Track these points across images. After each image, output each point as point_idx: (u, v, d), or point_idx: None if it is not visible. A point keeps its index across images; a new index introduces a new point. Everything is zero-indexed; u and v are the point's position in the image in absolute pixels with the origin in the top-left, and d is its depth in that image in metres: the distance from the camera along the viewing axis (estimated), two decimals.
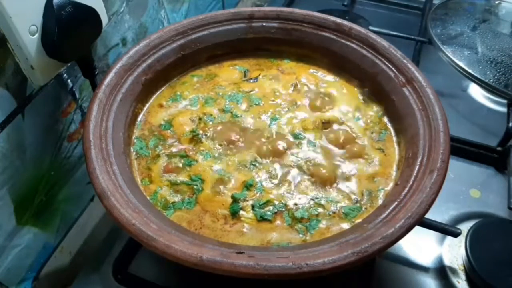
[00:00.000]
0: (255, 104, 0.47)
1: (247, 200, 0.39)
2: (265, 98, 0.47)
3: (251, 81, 0.49)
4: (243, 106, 0.46)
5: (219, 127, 0.44)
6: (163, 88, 0.48)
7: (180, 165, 0.41)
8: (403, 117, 0.43)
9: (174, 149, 0.43)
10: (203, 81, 0.49)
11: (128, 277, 0.44)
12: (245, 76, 0.50)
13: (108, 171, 0.35)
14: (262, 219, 0.37)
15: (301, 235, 0.37)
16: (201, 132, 0.43)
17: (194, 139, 0.43)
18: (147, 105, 0.46)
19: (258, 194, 0.39)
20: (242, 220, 0.37)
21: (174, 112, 0.46)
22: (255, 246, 0.35)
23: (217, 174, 0.40)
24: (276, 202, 0.39)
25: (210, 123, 0.44)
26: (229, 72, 0.50)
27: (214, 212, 0.38)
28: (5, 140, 0.38)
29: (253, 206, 0.38)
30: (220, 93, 0.48)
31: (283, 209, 0.38)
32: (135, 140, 0.43)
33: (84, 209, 0.52)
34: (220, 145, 0.43)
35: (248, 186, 0.39)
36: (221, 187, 0.40)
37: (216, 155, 0.42)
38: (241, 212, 0.38)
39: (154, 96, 0.47)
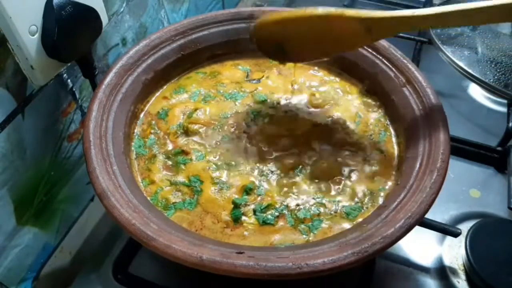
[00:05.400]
0: (261, 101, 0.47)
1: (248, 205, 0.39)
2: (270, 96, 0.47)
3: (254, 81, 0.49)
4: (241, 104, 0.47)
5: (209, 126, 0.44)
6: (164, 88, 0.48)
7: (176, 163, 0.41)
8: (403, 117, 0.43)
9: (169, 147, 0.43)
10: (206, 77, 0.49)
11: (128, 277, 0.44)
12: (247, 76, 0.50)
13: (108, 171, 0.35)
14: (264, 223, 0.37)
15: (304, 236, 0.37)
16: (184, 128, 0.44)
17: (177, 133, 0.43)
18: (148, 105, 0.46)
19: (259, 198, 0.39)
20: (245, 226, 0.37)
21: (174, 103, 0.46)
22: (255, 246, 0.35)
23: (215, 178, 0.40)
24: (278, 205, 0.38)
25: (201, 121, 0.44)
26: (232, 71, 0.50)
27: (216, 214, 0.38)
28: (5, 140, 0.38)
29: (254, 211, 0.38)
30: (221, 91, 0.48)
31: (285, 211, 0.38)
32: (135, 138, 0.43)
33: (84, 209, 0.52)
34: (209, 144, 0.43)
35: (247, 190, 0.39)
36: (221, 189, 0.40)
37: (208, 156, 0.42)
38: (243, 217, 0.38)
39: (155, 96, 0.47)
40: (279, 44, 0.42)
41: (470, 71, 0.57)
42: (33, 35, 0.37)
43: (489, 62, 0.59)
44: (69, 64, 0.43)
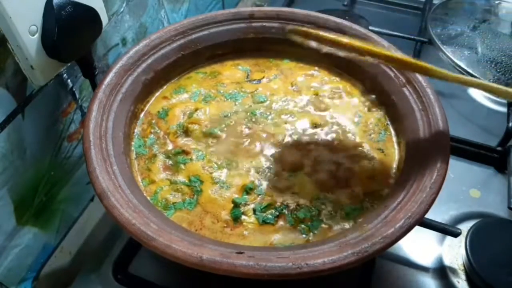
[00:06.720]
0: (261, 101, 0.47)
1: (248, 204, 0.38)
2: (270, 96, 0.48)
3: (254, 82, 0.49)
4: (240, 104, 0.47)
5: (208, 125, 0.44)
6: (164, 88, 0.48)
7: (176, 163, 0.41)
8: (403, 117, 0.43)
9: (169, 147, 0.43)
10: (206, 77, 0.49)
11: (128, 277, 0.44)
12: (247, 77, 0.50)
13: (108, 171, 0.35)
14: (264, 223, 0.37)
15: (304, 236, 0.37)
16: (184, 128, 0.44)
17: (177, 133, 0.43)
18: (148, 104, 0.46)
19: (259, 198, 0.39)
20: (244, 225, 0.37)
21: (174, 103, 0.46)
22: (255, 246, 0.35)
23: (215, 178, 0.40)
24: (278, 204, 0.38)
25: (202, 120, 0.44)
26: (232, 71, 0.50)
27: (215, 214, 0.38)
28: (5, 140, 0.38)
29: (254, 210, 0.38)
30: (221, 91, 0.48)
31: (285, 211, 0.38)
32: (135, 138, 0.43)
33: (84, 209, 0.52)
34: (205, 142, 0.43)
35: (247, 189, 0.39)
36: (221, 189, 0.40)
37: (208, 156, 0.42)
38: (243, 217, 0.38)
39: (155, 96, 0.47)
40: None
41: (470, 71, 0.57)
42: (33, 35, 0.37)
43: (489, 62, 0.59)
44: (69, 64, 0.43)
